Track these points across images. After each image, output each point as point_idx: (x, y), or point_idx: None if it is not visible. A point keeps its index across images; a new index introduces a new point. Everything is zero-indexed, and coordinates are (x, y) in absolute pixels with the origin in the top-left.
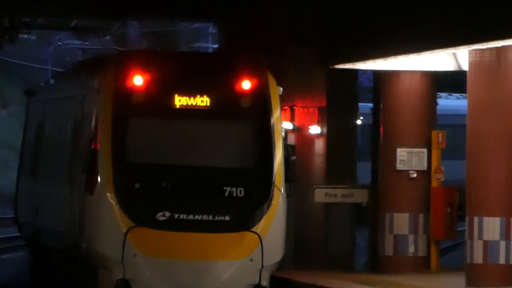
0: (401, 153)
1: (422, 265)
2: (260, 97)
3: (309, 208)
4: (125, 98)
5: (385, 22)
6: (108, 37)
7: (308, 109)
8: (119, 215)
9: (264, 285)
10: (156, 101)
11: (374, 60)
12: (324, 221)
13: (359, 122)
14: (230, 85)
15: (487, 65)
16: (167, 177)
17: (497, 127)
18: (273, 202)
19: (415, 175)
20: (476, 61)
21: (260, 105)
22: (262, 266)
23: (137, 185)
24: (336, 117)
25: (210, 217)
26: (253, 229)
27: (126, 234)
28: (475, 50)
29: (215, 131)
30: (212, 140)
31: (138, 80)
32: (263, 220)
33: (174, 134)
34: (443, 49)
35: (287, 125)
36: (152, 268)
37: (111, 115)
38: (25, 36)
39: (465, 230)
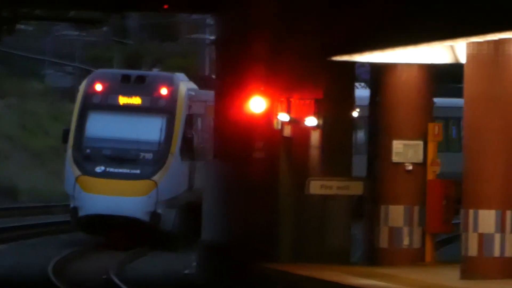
0: (397, 145)
1: (417, 258)
2: (171, 99)
3: (306, 201)
4: (89, 98)
5: (383, 14)
6: (106, 29)
7: (305, 101)
8: (73, 167)
9: (158, 212)
10: (108, 100)
11: (371, 52)
12: (321, 214)
13: (355, 114)
14: (153, 91)
15: (484, 58)
16: (106, 145)
17: (495, 120)
18: (167, 162)
19: (410, 167)
20: (474, 54)
21: (169, 105)
22: (157, 201)
23: (88, 150)
24: (333, 109)
25: (129, 171)
26: (152, 178)
27: (76, 179)
28: (473, 42)
29: (141, 119)
30: (139, 124)
31: (98, 87)
32: (159, 173)
33: (116, 120)
34: (441, 42)
35: (283, 116)
36: (90, 200)
37: (79, 109)
38: (23, 26)
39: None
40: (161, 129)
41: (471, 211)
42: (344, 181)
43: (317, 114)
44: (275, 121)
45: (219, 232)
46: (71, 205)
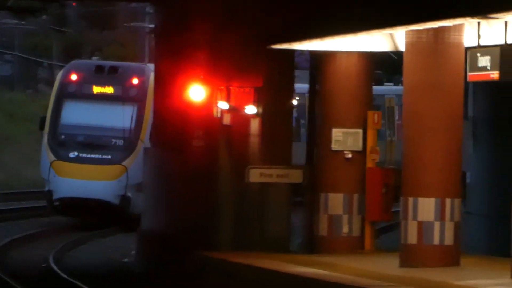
0: (337, 133)
1: (356, 246)
2: (142, 89)
3: (246, 189)
4: (64, 87)
5: (322, 2)
6: (45, 17)
7: (244, 89)
8: (48, 153)
9: (127, 195)
10: (82, 89)
11: (310, 41)
12: (261, 202)
13: (294, 102)
14: (125, 81)
15: (424, 46)
16: (80, 132)
17: (434, 108)
18: (136, 148)
19: (350, 155)
20: (413, 42)
21: (140, 94)
22: (127, 185)
23: (62, 136)
24: (272, 97)
25: (100, 156)
26: (122, 163)
27: (50, 164)
28: (412, 30)
29: (114, 107)
30: (111, 112)
31: (73, 77)
32: (129, 158)
33: (90, 108)
34: (380, 30)
35: (223, 105)
36: (63, 184)
37: (54, 97)
38: None
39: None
40: (131, 117)
41: (410, 199)
42: (284, 169)
43: (256, 102)
44: (214, 109)
45: (159, 220)
46: (46, 189)
